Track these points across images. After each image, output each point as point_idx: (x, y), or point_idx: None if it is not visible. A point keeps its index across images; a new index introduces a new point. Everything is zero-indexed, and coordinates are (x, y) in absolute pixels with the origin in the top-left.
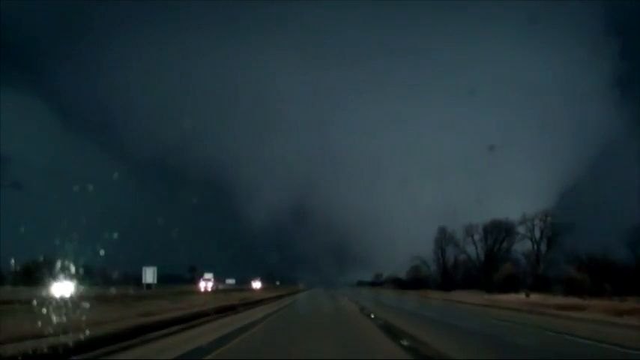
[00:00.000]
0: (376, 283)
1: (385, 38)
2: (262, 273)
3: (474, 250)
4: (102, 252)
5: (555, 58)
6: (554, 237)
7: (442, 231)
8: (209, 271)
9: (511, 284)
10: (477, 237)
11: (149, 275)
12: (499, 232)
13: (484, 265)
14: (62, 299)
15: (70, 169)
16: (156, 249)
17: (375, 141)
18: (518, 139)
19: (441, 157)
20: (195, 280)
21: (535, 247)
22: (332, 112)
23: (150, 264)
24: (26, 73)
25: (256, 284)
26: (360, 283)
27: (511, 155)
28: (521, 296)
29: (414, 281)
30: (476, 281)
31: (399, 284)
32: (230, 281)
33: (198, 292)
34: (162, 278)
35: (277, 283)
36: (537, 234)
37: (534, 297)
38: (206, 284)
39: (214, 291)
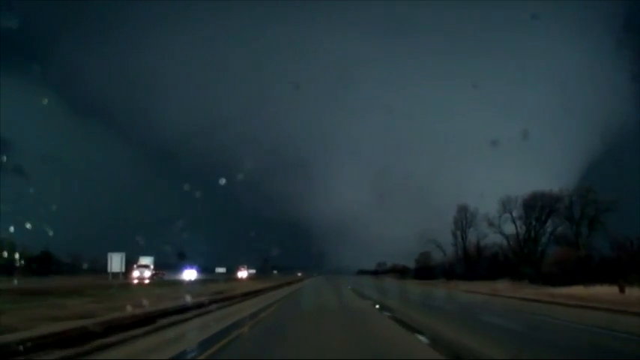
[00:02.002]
0: (379, 272)
1: None
2: (258, 261)
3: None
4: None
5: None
6: (597, 217)
7: (462, 210)
8: (198, 259)
9: (568, 273)
10: (515, 214)
11: (115, 263)
12: (542, 207)
13: (524, 248)
14: None
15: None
16: (150, 236)
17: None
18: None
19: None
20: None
21: (574, 227)
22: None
23: (140, 252)
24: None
25: (242, 273)
26: (362, 272)
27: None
28: (604, 289)
29: (425, 269)
30: (505, 269)
31: (401, 273)
32: (220, 270)
33: (130, 283)
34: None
35: (275, 272)
36: (577, 213)
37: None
38: (141, 273)
39: (153, 282)
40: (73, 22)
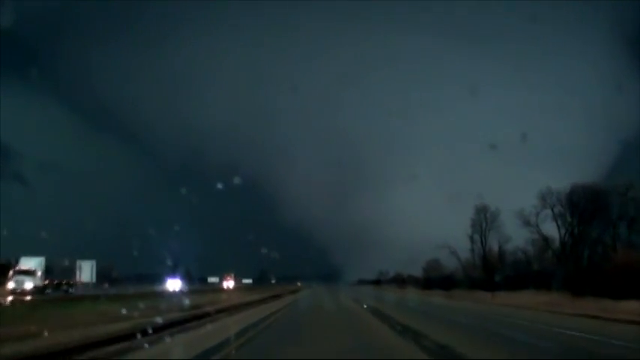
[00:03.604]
0: (381, 282)
1: None
2: (256, 271)
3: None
4: None
5: None
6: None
7: (482, 211)
8: (194, 268)
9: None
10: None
11: (85, 272)
12: (586, 203)
13: (568, 252)
14: None
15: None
16: (140, 246)
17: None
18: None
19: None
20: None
21: (611, 229)
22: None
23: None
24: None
25: (228, 283)
26: (362, 282)
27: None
28: None
29: (441, 279)
30: (531, 278)
31: (400, 283)
32: (213, 279)
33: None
34: (142, 277)
35: (273, 281)
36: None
37: None
38: (19, 284)
39: (50, 298)
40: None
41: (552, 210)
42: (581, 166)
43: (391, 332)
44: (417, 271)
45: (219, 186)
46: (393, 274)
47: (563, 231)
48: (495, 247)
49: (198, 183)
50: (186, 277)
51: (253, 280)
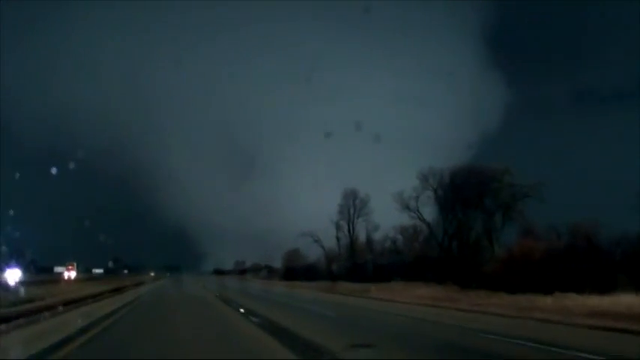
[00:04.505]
0: (242, 272)
1: None
2: (107, 260)
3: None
4: None
5: None
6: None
7: (351, 194)
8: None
9: (519, 276)
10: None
11: None
12: (478, 184)
13: (446, 242)
14: None
15: None
16: None
17: None
18: None
19: None
20: None
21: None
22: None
23: None
24: None
25: (70, 273)
26: (218, 272)
27: None
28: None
29: (302, 269)
30: (404, 269)
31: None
32: (60, 269)
33: None
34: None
35: (125, 271)
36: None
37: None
38: None
39: None
40: None
41: (435, 192)
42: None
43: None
44: (277, 262)
45: (53, 171)
46: (251, 264)
47: (444, 216)
48: (363, 236)
49: (54, 165)
50: (28, 267)
51: (105, 271)
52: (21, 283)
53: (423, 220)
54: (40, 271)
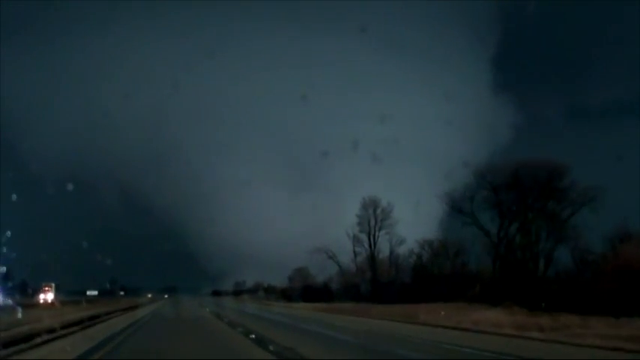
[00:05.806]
0: (239, 292)
1: None
2: (103, 281)
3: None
4: None
5: None
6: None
7: (371, 205)
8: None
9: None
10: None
11: None
12: (532, 186)
13: (502, 251)
14: None
15: None
16: None
17: None
18: None
19: None
20: None
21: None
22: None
23: None
24: None
25: (46, 296)
26: (217, 293)
27: None
28: None
29: (312, 289)
30: (431, 288)
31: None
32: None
33: None
34: None
35: (122, 293)
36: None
37: None
38: None
39: None
40: None
41: (495, 193)
42: None
43: None
44: (283, 281)
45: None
46: (252, 284)
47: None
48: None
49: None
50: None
51: (100, 292)
52: None
53: (480, 227)
54: (33, 294)
